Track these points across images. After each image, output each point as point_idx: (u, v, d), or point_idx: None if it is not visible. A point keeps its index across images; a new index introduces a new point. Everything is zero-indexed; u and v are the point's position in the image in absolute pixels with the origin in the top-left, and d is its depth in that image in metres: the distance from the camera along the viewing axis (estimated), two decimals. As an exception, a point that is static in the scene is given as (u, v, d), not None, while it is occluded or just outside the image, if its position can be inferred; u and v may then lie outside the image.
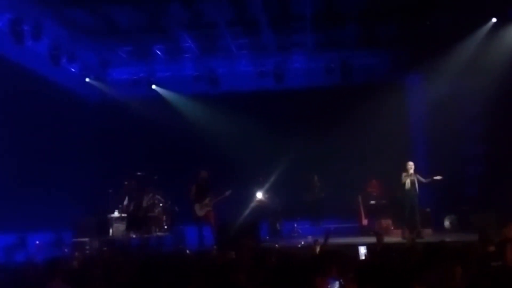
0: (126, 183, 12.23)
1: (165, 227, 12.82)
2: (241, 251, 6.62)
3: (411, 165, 11.36)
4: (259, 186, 13.46)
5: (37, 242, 11.14)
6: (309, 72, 14.94)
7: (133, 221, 11.97)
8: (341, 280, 4.18)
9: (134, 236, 12.07)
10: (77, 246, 11.10)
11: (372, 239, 9.23)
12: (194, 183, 12.09)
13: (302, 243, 10.94)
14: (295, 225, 13.59)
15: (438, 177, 11.24)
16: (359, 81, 14.83)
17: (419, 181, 11.34)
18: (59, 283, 4.95)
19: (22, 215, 11.00)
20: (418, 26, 12.96)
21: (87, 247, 10.99)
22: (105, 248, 10.79)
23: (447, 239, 9.72)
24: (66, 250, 11.11)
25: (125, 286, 4.96)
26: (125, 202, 12.53)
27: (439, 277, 3.93)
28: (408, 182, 11.28)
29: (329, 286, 4.08)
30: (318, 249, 7.25)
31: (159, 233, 12.50)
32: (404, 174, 11.35)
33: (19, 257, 9.17)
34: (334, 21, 12.44)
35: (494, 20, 12.40)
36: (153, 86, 15.43)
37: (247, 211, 12.84)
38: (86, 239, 11.18)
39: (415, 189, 11.33)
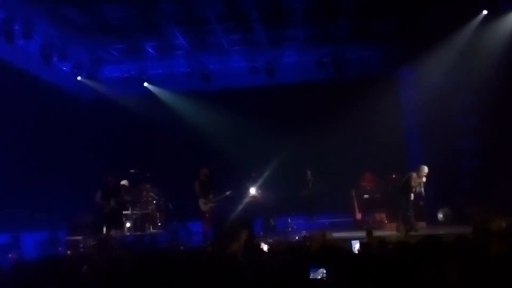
0: (107, 180, 12.16)
1: (159, 224, 12.82)
2: (234, 245, 6.61)
3: (426, 171, 10.93)
4: (252, 182, 13.43)
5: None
6: (301, 67, 14.90)
7: (111, 219, 11.89)
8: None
9: (128, 233, 12.06)
10: (71, 244, 11.05)
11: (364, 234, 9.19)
12: (196, 180, 12.38)
13: (296, 238, 10.94)
14: (289, 220, 13.58)
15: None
16: (352, 75, 14.84)
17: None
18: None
19: (16, 214, 10.94)
20: (410, 19, 12.91)
21: (81, 246, 10.95)
22: (94, 243, 10.74)
23: (441, 231, 9.82)
24: (60, 248, 11.08)
25: (121, 283, 4.94)
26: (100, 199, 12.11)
27: (434, 272, 3.91)
28: (417, 189, 11.06)
29: (311, 274, 4.08)
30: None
31: (153, 230, 12.49)
32: (418, 179, 10.99)
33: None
34: (326, 15, 12.36)
35: (485, 12, 12.41)
36: (145, 84, 15.38)
37: (240, 207, 12.83)
38: (80, 238, 11.12)
39: None
